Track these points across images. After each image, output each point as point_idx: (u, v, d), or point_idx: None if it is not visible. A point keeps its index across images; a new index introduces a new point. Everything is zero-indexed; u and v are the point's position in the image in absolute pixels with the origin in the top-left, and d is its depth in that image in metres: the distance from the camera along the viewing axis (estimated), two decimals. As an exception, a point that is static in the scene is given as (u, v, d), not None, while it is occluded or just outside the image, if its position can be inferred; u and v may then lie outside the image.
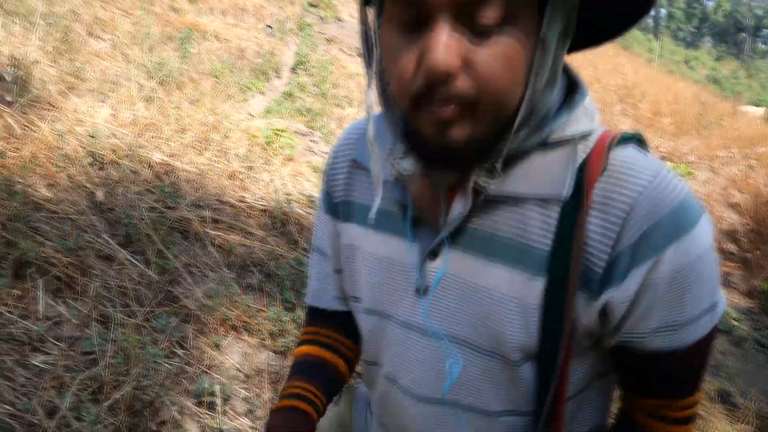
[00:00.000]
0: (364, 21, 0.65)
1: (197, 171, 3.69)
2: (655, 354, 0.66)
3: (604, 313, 0.65)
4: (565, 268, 0.63)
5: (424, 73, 0.55)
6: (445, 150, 0.60)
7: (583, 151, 0.64)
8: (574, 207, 0.63)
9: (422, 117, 0.59)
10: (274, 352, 2.57)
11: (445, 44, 0.53)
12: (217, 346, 2.48)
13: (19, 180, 2.81)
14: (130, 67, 4.86)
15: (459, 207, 0.66)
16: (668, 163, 8.62)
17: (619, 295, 0.62)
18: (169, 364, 2.23)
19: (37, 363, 2.03)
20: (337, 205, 0.85)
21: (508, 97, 0.58)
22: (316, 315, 0.96)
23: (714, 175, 8.96)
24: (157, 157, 3.61)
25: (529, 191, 0.64)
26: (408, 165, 0.65)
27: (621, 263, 0.61)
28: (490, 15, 0.53)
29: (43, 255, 2.44)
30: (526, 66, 0.58)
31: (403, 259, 0.75)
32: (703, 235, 0.62)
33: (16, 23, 4.54)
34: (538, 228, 0.65)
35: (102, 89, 4.24)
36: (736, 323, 5.41)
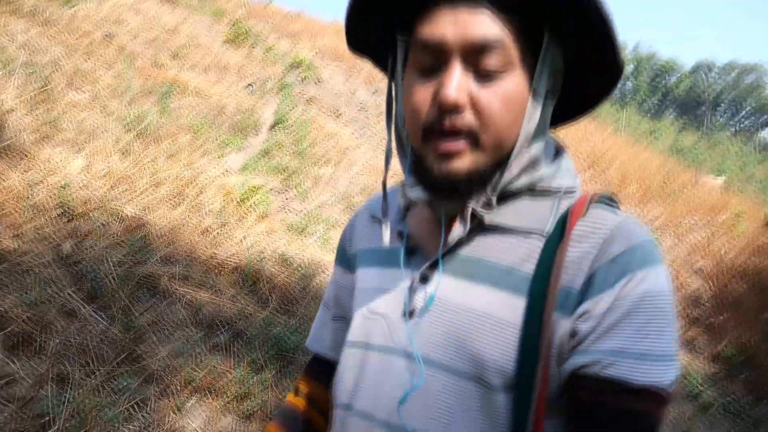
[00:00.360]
0: (390, 91, 0.79)
1: (169, 226, 3.65)
2: (608, 385, 0.64)
3: (575, 332, 0.66)
4: (544, 289, 0.68)
5: (438, 103, 0.68)
6: (447, 180, 0.70)
7: (566, 203, 0.74)
8: (556, 238, 0.70)
9: (429, 148, 0.70)
10: (239, 416, 2.49)
11: (457, 81, 0.67)
12: (179, 409, 2.39)
13: (-16, 230, 2.75)
14: (109, 119, 4.87)
15: (457, 231, 0.73)
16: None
17: (591, 306, 0.66)
18: (127, 428, 2.14)
19: (-14, 425, 1.93)
20: (351, 257, 0.93)
21: (506, 133, 0.69)
22: (313, 359, 1.01)
23: (678, 242, 9.19)
24: (129, 210, 3.57)
25: (517, 225, 0.73)
26: (416, 194, 0.74)
27: (598, 278, 0.66)
28: (492, 62, 0.67)
29: (2, 309, 2.36)
30: (520, 110, 0.70)
31: (394, 286, 0.80)
32: (668, 278, 0.68)
33: (-6, 72, 4.54)
34: (522, 255, 0.72)
35: (78, 140, 4.22)
36: (702, 388, 5.43)
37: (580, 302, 0.67)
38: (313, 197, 5.69)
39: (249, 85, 8.43)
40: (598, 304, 0.65)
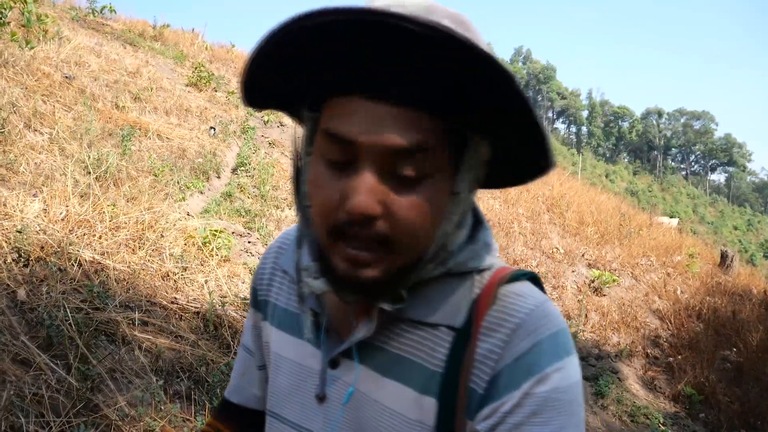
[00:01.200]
0: (296, 149, 0.71)
1: (129, 270, 3.58)
2: None
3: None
4: (455, 391, 0.66)
5: (347, 212, 0.60)
6: (356, 285, 0.64)
7: (478, 285, 0.70)
8: (464, 333, 0.67)
9: (337, 251, 0.63)
10: (200, 466, 2.42)
11: (368, 189, 0.59)
12: (138, 461, 2.31)
13: (-66, 276, 2.65)
14: (68, 161, 4.79)
15: (364, 330, 0.70)
16: (594, 271, 9.02)
17: (495, 408, 0.64)
18: (82, 482, 2.06)
19: (-70, 483, 1.83)
20: (261, 303, 0.89)
21: (422, 241, 0.64)
22: (227, 409, 0.96)
23: (636, 282, 9.43)
24: (87, 254, 3.49)
25: (428, 318, 0.69)
26: (320, 285, 0.68)
27: (503, 379, 0.64)
28: (412, 170, 0.60)
29: (-48, 359, 2.27)
30: (439, 214, 0.64)
31: (308, 363, 0.78)
32: (576, 369, 0.66)
33: (-51, 114, 4.45)
34: (432, 350, 0.69)
35: (35, 183, 4.14)
36: (663, 428, 5.50)
37: (481, 404, 0.65)
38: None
39: (211, 128, 8.44)
40: (502, 405, 0.64)
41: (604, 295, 8.63)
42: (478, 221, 0.75)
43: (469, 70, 0.56)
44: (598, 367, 6.52)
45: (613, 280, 8.85)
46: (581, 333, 7.28)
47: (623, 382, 6.47)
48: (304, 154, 0.69)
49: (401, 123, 0.59)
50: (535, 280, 0.73)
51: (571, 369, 0.65)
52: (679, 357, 7.29)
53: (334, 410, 0.74)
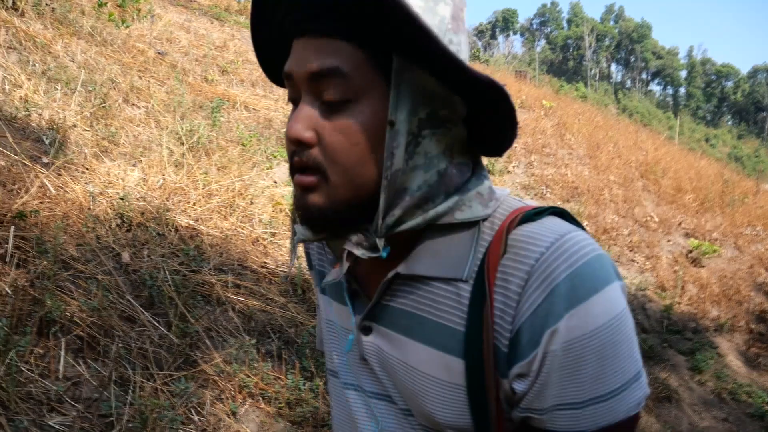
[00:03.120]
0: None
1: (222, 236, 3.74)
2: None
3: (513, 390, 0.65)
4: (480, 350, 0.64)
5: (286, 140, 0.66)
6: (305, 213, 0.67)
7: (489, 233, 0.67)
8: (479, 288, 0.65)
9: (294, 183, 0.68)
10: (291, 422, 2.51)
11: (301, 116, 0.64)
12: (234, 414, 2.43)
13: (50, 239, 2.87)
14: (162, 133, 5.04)
15: (333, 273, 0.72)
16: (692, 240, 8.51)
17: (523, 370, 0.62)
18: (185, 430, 2.19)
19: (53, 424, 2.01)
20: (313, 269, 0.92)
21: (357, 170, 0.64)
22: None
23: (739, 253, 8.82)
24: (183, 220, 3.67)
25: (434, 272, 0.68)
26: (303, 231, 0.71)
27: (523, 338, 0.62)
28: (332, 92, 0.63)
29: (68, 314, 2.46)
30: (373, 144, 0.63)
31: (347, 326, 0.79)
32: (605, 306, 0.60)
33: (57, 89, 4.77)
34: (450, 308, 0.67)
35: (134, 154, 4.39)
36: (769, 408, 5.17)
37: (509, 362, 0.63)
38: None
39: (296, 98, 8.58)
40: (530, 366, 0.62)
41: (703, 267, 8.14)
42: (476, 173, 0.71)
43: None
44: (695, 341, 6.19)
45: (714, 251, 8.31)
46: (677, 305, 6.92)
47: (723, 358, 6.12)
48: None
49: (322, 51, 0.63)
50: (561, 214, 0.68)
51: (595, 308, 0.59)
52: (788, 333, 6.78)
53: (377, 371, 0.75)
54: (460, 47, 0.66)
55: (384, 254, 0.65)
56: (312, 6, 0.64)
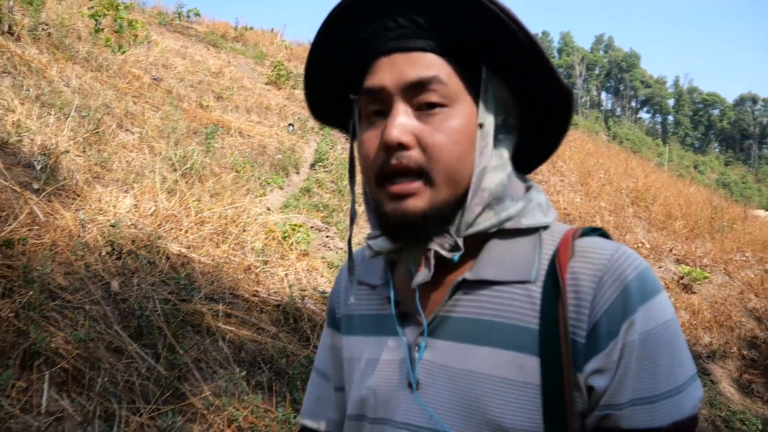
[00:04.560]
0: (351, 152, 0.81)
1: (213, 264, 3.70)
2: None
3: (590, 387, 0.66)
4: (557, 345, 0.66)
5: (383, 145, 0.69)
6: (404, 220, 0.69)
7: (550, 242, 0.73)
8: (551, 287, 0.68)
9: (384, 192, 0.70)
10: (281, 457, 2.46)
11: (398, 122, 0.68)
12: (222, 449, 2.37)
13: (38, 267, 2.83)
14: (156, 159, 5.02)
15: (422, 275, 0.71)
16: (683, 266, 8.53)
17: (602, 363, 0.65)
18: (171, 467, 2.13)
19: (35, 462, 1.95)
20: (340, 320, 0.89)
21: (457, 168, 0.69)
22: None
23: (730, 279, 8.84)
24: (174, 248, 3.63)
25: (502, 276, 0.71)
26: (381, 243, 0.73)
27: (601, 330, 0.65)
28: (432, 97, 0.69)
29: (53, 346, 2.41)
30: (468, 143, 0.70)
31: (394, 356, 0.77)
32: (667, 304, 0.67)
33: (51, 114, 4.75)
34: (520, 308, 0.69)
35: (127, 180, 4.36)
36: (763, 437, 5.12)
37: (586, 355, 0.66)
38: (354, 234, 5.70)
39: (290, 124, 8.61)
40: (609, 358, 0.65)
41: (695, 293, 8.15)
42: (529, 188, 0.78)
43: (465, 8, 0.67)
44: (689, 369, 6.15)
45: (705, 277, 8.33)
46: (670, 333, 6.90)
47: (716, 385, 6.08)
48: (357, 139, 0.77)
49: (417, 63, 0.70)
50: (604, 235, 0.75)
51: (660, 307, 0.66)
52: (780, 360, 6.76)
53: (430, 393, 0.71)
54: None
55: (456, 258, 0.71)
56: (405, 27, 0.71)
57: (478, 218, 0.71)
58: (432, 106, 0.69)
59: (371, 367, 0.79)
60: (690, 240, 9.81)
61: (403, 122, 0.68)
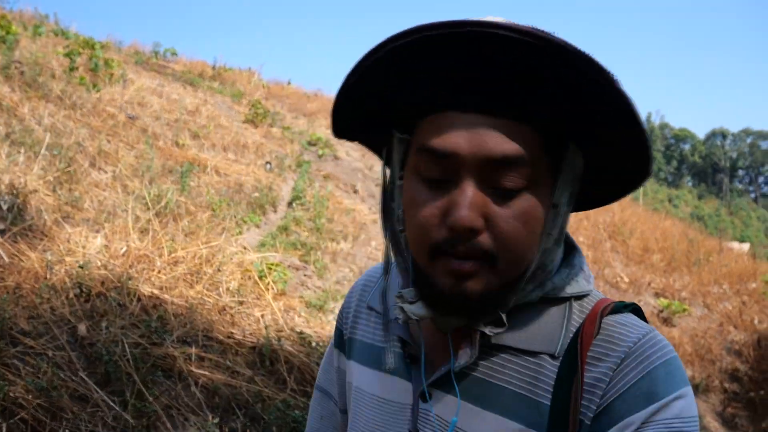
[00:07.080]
0: (385, 177, 0.73)
1: (186, 305, 3.59)
2: None
3: None
4: (564, 424, 0.63)
5: (449, 227, 0.60)
6: (460, 301, 0.62)
7: (578, 313, 0.68)
8: (569, 364, 0.65)
9: (439, 268, 0.62)
10: None
11: (471, 202, 0.59)
12: (193, 503, 2.24)
13: None
14: (129, 198, 4.92)
15: (465, 355, 0.67)
16: (662, 300, 8.57)
17: None
18: None
19: None
20: (345, 342, 0.87)
21: (525, 255, 0.63)
22: None
23: (708, 312, 8.89)
24: (146, 289, 3.52)
25: (524, 345, 0.67)
26: (418, 310, 0.66)
27: (614, 408, 0.62)
28: (514, 181, 0.60)
29: (12, 395, 2.28)
30: (539, 226, 0.63)
31: (395, 398, 0.74)
32: (693, 400, 0.64)
33: (20, 153, 4.65)
34: (535, 380, 0.66)
35: (98, 219, 4.26)
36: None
37: None
38: (332, 273, 5.62)
39: (267, 162, 8.58)
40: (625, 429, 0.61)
41: (675, 326, 8.17)
42: (571, 245, 0.73)
43: (570, 73, 0.56)
44: (672, 404, 6.13)
45: (684, 310, 8.37)
46: (652, 367, 6.88)
47: (701, 420, 6.04)
48: (397, 179, 0.70)
49: (502, 134, 0.59)
50: (637, 311, 0.71)
51: (690, 399, 0.63)
52: (762, 392, 6.77)
53: None
54: None
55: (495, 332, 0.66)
56: (500, 78, 0.58)
57: (527, 294, 0.67)
58: (510, 190, 0.60)
59: (373, 404, 0.76)
60: (668, 273, 9.89)
61: (474, 203, 0.59)
